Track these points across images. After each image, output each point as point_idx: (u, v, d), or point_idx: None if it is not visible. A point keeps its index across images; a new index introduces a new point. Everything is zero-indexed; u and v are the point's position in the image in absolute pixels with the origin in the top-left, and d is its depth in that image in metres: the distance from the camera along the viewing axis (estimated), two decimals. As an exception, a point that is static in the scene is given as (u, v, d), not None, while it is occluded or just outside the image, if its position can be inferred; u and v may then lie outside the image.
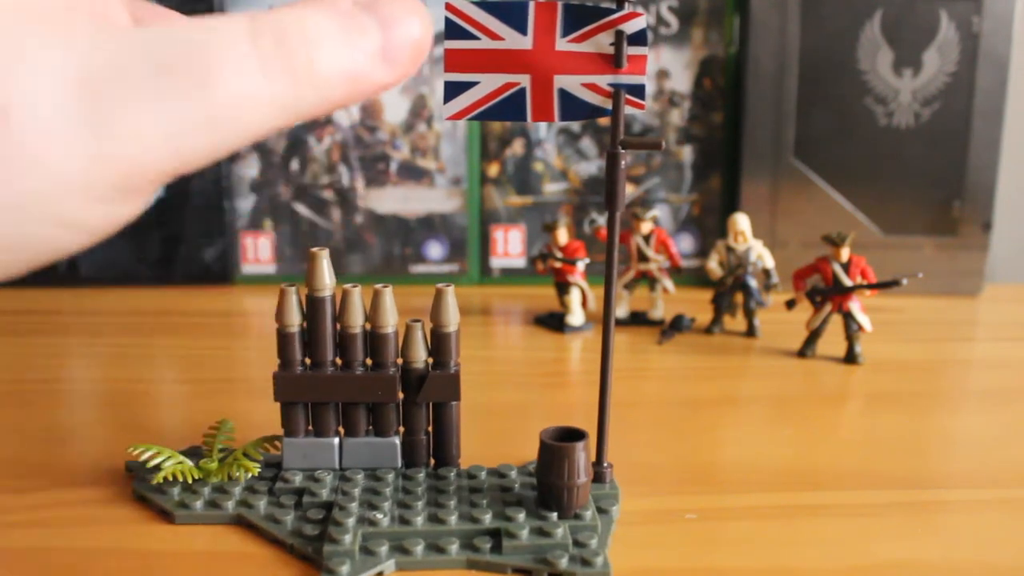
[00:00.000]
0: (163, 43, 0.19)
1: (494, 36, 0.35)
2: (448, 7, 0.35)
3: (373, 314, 0.40)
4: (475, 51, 0.36)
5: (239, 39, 0.19)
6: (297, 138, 0.85)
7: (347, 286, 0.40)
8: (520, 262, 0.87)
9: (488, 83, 0.36)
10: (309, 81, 0.20)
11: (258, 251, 0.86)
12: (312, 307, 0.40)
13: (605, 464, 0.40)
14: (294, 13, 0.20)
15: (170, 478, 0.39)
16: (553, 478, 0.37)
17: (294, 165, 0.85)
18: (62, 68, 0.18)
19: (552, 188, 0.86)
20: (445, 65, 0.36)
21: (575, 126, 0.86)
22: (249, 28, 0.20)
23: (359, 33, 0.21)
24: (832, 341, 0.64)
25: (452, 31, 0.35)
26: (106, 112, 0.18)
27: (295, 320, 0.40)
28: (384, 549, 0.35)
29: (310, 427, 0.42)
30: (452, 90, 0.37)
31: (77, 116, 0.18)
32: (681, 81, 0.85)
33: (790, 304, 0.67)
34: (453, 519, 0.36)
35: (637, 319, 0.73)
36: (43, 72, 0.18)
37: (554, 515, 0.37)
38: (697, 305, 0.76)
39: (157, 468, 0.40)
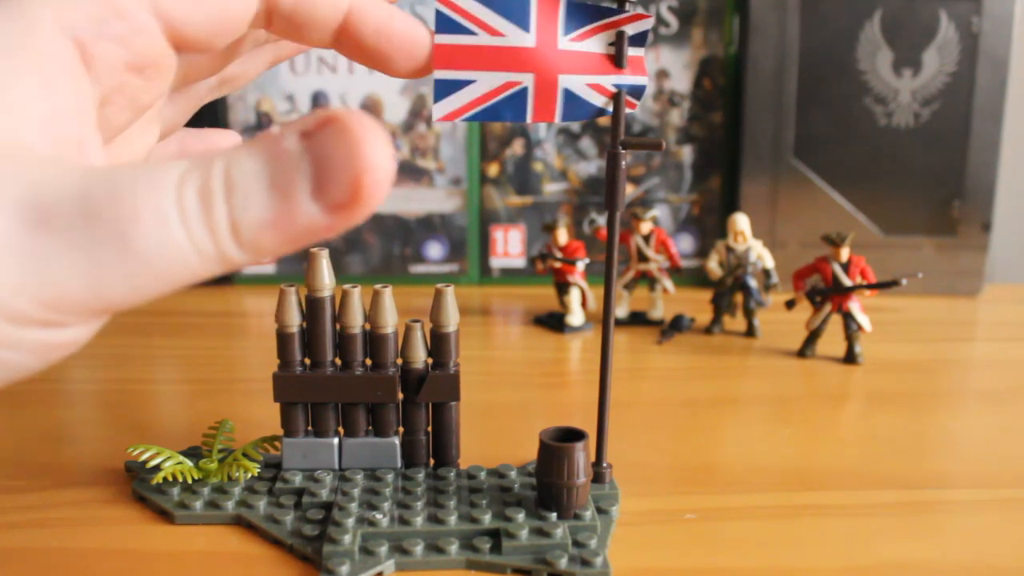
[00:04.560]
0: (96, 187, 0.19)
1: (493, 32, 0.33)
2: None
3: (373, 314, 0.40)
4: (470, 47, 0.33)
5: (165, 189, 0.19)
6: (297, 138, 0.85)
7: (347, 286, 0.40)
8: (520, 262, 0.87)
9: (486, 82, 0.34)
10: (231, 236, 0.19)
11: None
12: (311, 307, 0.40)
13: (605, 464, 0.40)
14: (226, 159, 0.19)
15: (170, 478, 0.39)
16: (553, 478, 0.37)
17: (294, 165, 0.85)
18: (5, 196, 0.18)
19: (552, 188, 0.86)
20: (435, 62, 0.32)
21: (575, 126, 0.86)
22: (179, 177, 0.19)
23: (290, 178, 0.19)
24: (832, 341, 0.64)
25: (443, 24, 0.33)
26: (32, 246, 0.18)
27: (295, 320, 0.40)
28: (384, 549, 0.35)
29: (310, 427, 0.42)
30: (444, 89, 0.34)
31: (6, 244, 0.18)
32: (681, 81, 0.85)
33: (790, 304, 0.67)
34: (453, 519, 0.36)
35: (637, 319, 0.73)
36: None
37: (554, 515, 0.37)
38: (697, 305, 0.76)
39: (157, 468, 0.40)
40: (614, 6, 0.34)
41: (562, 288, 0.72)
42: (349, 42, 0.28)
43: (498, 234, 0.87)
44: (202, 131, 0.34)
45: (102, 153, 0.24)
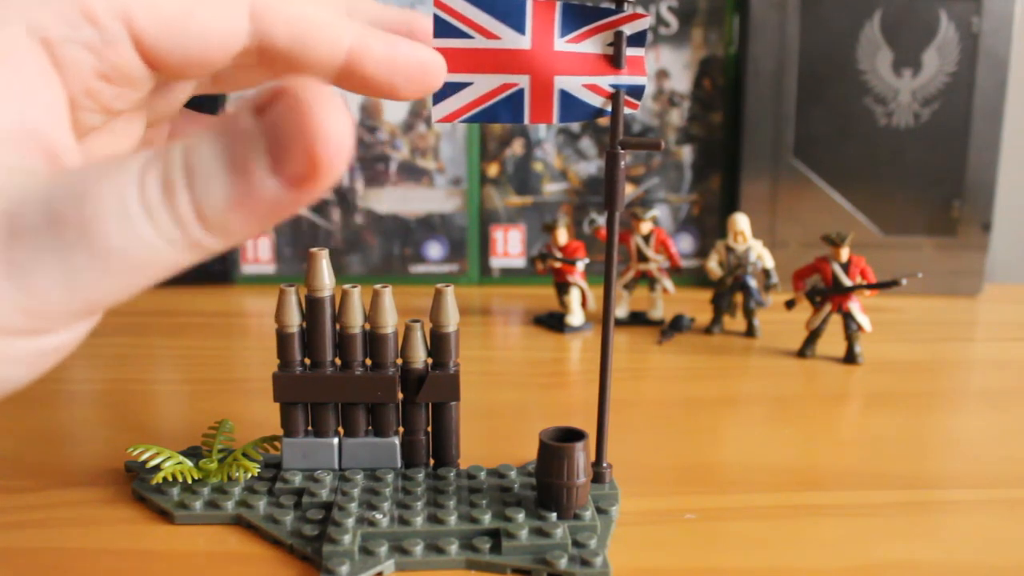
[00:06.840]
0: (60, 191, 0.19)
1: (489, 35, 0.34)
2: (437, 3, 0.33)
3: (373, 314, 0.40)
4: (468, 51, 0.34)
5: (127, 184, 0.19)
6: (297, 138, 0.85)
7: (346, 286, 0.40)
8: (520, 262, 0.87)
9: (483, 84, 0.34)
10: (198, 221, 0.19)
11: (258, 251, 0.86)
12: (311, 307, 0.40)
13: (605, 464, 0.40)
14: (184, 145, 0.19)
15: (170, 478, 0.39)
16: (553, 478, 0.37)
17: (294, 165, 0.85)
18: None
19: (552, 188, 0.86)
20: None
21: (575, 126, 0.86)
22: (139, 170, 0.19)
23: (246, 156, 0.19)
24: (832, 341, 0.64)
25: (441, 29, 0.33)
26: (6, 256, 0.18)
27: (294, 320, 0.40)
28: (383, 549, 0.35)
29: (309, 427, 0.42)
30: (442, 91, 0.34)
31: None
32: (681, 81, 0.85)
33: (790, 304, 0.67)
34: (452, 519, 0.36)
35: (637, 319, 0.73)
36: None
37: (553, 515, 0.37)
38: (697, 305, 0.76)
39: (157, 468, 0.40)
40: (612, 7, 0.34)
41: (562, 288, 0.72)
42: (352, 80, 0.28)
43: (498, 234, 0.87)
44: (199, 115, 0.33)
45: (77, 152, 0.23)
